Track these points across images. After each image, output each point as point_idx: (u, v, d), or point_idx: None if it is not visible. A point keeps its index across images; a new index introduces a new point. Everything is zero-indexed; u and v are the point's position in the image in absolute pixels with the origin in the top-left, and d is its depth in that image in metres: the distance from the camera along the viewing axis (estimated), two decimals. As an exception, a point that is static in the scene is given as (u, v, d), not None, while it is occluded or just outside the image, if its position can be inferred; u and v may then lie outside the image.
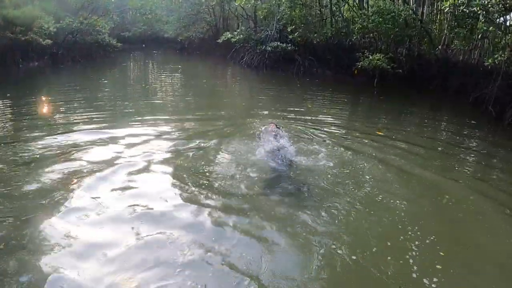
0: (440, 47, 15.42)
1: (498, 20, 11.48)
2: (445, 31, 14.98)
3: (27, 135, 8.29)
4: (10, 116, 10.17)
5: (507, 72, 10.99)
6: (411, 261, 4.14)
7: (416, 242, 4.44)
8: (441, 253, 4.28)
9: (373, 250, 4.33)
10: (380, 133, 8.54)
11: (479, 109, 11.56)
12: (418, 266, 4.05)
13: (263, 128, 8.13)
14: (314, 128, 9.02)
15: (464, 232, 4.96)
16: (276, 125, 8.15)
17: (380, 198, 5.52)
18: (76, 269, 3.91)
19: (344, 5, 19.59)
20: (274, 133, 7.65)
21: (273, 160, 6.70)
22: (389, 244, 4.46)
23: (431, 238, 4.56)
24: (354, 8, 19.13)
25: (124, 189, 5.71)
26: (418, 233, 4.64)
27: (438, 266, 4.06)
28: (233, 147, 7.57)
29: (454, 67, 14.61)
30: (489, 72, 11.57)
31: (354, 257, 4.17)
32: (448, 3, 10.42)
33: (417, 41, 16.03)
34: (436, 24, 16.86)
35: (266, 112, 10.85)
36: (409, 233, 4.66)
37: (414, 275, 3.93)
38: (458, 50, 15.08)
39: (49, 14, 20.70)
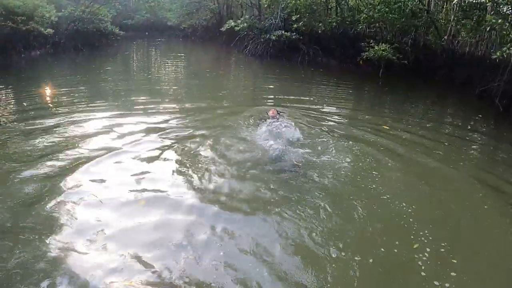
0: (446, 37, 15.18)
1: (506, 11, 11.24)
2: (452, 22, 14.71)
3: (30, 121, 8.35)
4: (12, 105, 10.18)
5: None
6: (420, 263, 4.03)
7: (427, 249, 4.28)
8: (453, 260, 4.14)
9: (381, 250, 4.23)
10: (386, 127, 8.38)
11: (486, 102, 11.39)
12: (429, 272, 3.93)
13: (265, 114, 8.36)
14: (316, 119, 8.93)
15: (472, 233, 4.83)
16: (277, 111, 8.30)
17: (384, 194, 5.39)
18: (80, 249, 4.12)
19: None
20: (275, 118, 7.91)
21: (273, 144, 6.83)
22: (397, 243, 4.35)
23: (439, 242, 4.42)
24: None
25: (126, 174, 5.86)
26: (425, 232, 4.50)
27: (452, 273, 3.94)
28: (233, 133, 7.66)
29: (461, 59, 14.39)
30: (496, 65, 11.34)
31: (357, 258, 4.07)
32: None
33: (423, 31, 15.76)
34: (442, 14, 16.60)
35: (269, 102, 10.80)
36: (415, 231, 4.54)
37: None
38: (464, 42, 14.84)
39: (51, 3, 20.51)
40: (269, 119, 8.02)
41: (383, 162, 6.51)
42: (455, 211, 5.17)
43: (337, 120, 9.13)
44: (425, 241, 4.37)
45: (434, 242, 4.35)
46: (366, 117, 9.69)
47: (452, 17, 14.84)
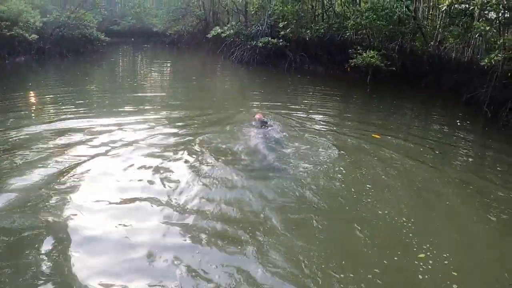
0: (432, 43, 15.34)
1: (490, 17, 11.39)
2: (439, 28, 14.89)
3: (13, 127, 8.23)
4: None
5: (502, 72, 10.91)
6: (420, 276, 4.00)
7: (429, 261, 4.24)
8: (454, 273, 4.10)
9: (383, 262, 4.17)
10: (376, 137, 8.37)
11: (473, 108, 11.52)
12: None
13: (250, 117, 8.53)
14: (304, 126, 8.93)
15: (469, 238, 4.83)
16: (262, 115, 8.41)
17: (377, 205, 5.34)
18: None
19: (336, 1, 19.44)
20: (261, 122, 8.03)
21: (260, 149, 6.93)
22: (399, 253, 4.29)
23: (441, 254, 4.39)
24: (346, 3, 18.97)
25: (111, 181, 5.86)
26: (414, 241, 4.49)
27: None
28: (220, 139, 7.67)
29: (447, 65, 14.57)
30: (484, 71, 11.47)
31: (351, 275, 3.99)
32: (447, 1, 10.25)
33: (409, 37, 15.91)
34: (429, 20, 16.78)
35: (256, 110, 10.77)
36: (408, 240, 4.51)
37: None
38: (450, 47, 15.02)
39: (36, 8, 20.33)
40: (255, 122, 8.12)
41: (375, 171, 6.49)
42: (451, 222, 5.17)
43: (326, 128, 9.06)
44: (428, 253, 4.31)
45: (435, 253, 4.31)
46: (355, 124, 9.64)
47: (439, 23, 15.02)
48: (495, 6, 9.24)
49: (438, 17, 15.73)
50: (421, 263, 4.14)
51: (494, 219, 5.19)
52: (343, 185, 5.90)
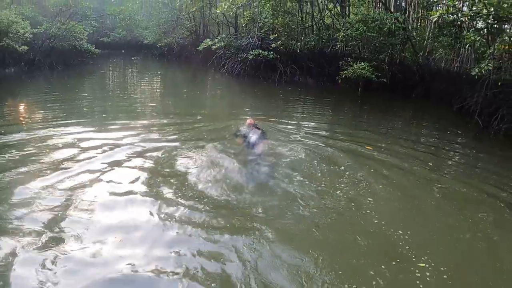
0: (421, 54, 15.54)
1: (479, 27, 11.59)
2: (429, 39, 15.12)
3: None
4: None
5: (492, 81, 11.07)
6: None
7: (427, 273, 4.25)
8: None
9: (386, 275, 4.15)
10: (369, 148, 8.39)
11: (464, 118, 11.68)
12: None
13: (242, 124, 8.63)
14: (296, 139, 8.92)
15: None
16: (253, 120, 8.39)
17: (375, 217, 5.35)
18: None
19: (326, 13, 19.61)
20: (252, 128, 7.95)
21: (250, 157, 7.07)
22: (400, 265, 4.29)
23: (440, 266, 4.42)
24: (335, 16, 19.13)
25: (100, 190, 5.81)
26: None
27: None
28: (211, 148, 7.76)
29: (437, 75, 14.77)
30: (473, 80, 11.65)
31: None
32: (438, 13, 10.39)
33: (399, 48, 16.06)
34: (418, 31, 16.99)
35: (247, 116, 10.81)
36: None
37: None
38: (439, 58, 15.23)
39: (26, 19, 20.23)
40: (246, 128, 8.12)
41: (368, 182, 6.49)
42: (446, 232, 5.18)
43: (317, 140, 8.99)
44: (426, 265, 4.32)
45: (434, 265, 4.32)
46: (348, 136, 9.57)
47: (429, 34, 15.24)
48: (485, 16, 9.37)
49: (427, 28, 15.96)
50: (421, 272, 4.19)
51: (489, 231, 5.23)
52: (337, 195, 5.91)
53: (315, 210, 5.44)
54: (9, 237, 4.51)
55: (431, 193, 6.34)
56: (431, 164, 7.78)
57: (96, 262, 4.19)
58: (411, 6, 16.79)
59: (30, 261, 4.12)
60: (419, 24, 17.22)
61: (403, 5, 17.80)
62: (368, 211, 5.47)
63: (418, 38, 16.58)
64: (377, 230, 5.02)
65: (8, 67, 19.29)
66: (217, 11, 18.75)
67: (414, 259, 4.40)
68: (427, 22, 16.34)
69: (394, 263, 4.33)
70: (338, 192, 6.07)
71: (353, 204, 5.66)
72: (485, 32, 11.40)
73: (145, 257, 4.28)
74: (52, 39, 22.06)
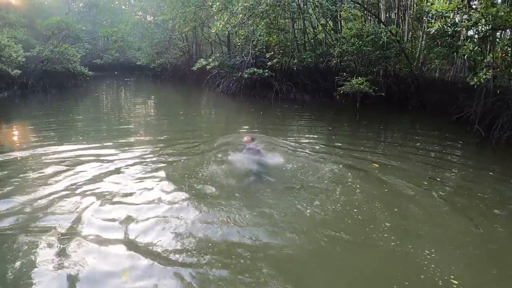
0: (414, 64, 15.56)
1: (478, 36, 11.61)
2: (424, 50, 15.18)
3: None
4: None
5: (489, 90, 11.07)
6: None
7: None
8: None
9: None
10: (375, 165, 8.19)
11: (463, 128, 11.64)
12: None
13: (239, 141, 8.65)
14: (298, 157, 8.68)
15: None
16: (251, 138, 8.50)
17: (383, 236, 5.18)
18: None
19: (319, 29, 19.63)
20: (249, 144, 8.12)
21: (251, 170, 7.10)
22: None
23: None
24: (328, 31, 19.13)
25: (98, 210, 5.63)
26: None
27: None
28: (210, 163, 7.84)
29: (431, 85, 14.82)
30: (469, 89, 11.62)
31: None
32: (436, 25, 10.37)
33: (393, 60, 16.02)
34: (411, 42, 17.04)
35: (244, 133, 10.69)
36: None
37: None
38: (434, 68, 15.28)
39: (19, 42, 20.12)
40: (244, 144, 8.19)
41: (371, 198, 6.33)
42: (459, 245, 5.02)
43: (318, 157, 8.80)
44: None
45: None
46: (348, 152, 9.30)
47: (421, 45, 15.29)
48: (483, 25, 9.42)
49: (420, 39, 16.02)
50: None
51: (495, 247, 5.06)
52: (341, 209, 5.82)
53: (320, 219, 5.43)
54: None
55: (438, 207, 6.14)
56: (438, 180, 7.53)
57: None
58: (401, 18, 16.88)
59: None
60: (410, 34, 17.23)
61: (392, 17, 17.90)
62: (375, 224, 5.37)
63: (411, 49, 16.61)
64: (386, 242, 4.89)
65: (1, 91, 19.16)
66: (212, 31, 18.68)
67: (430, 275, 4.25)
68: (420, 33, 16.41)
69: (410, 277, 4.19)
70: (341, 204, 5.99)
71: (371, 226, 5.44)
72: (481, 41, 11.41)
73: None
74: (45, 62, 21.96)
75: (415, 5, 16.32)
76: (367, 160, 8.57)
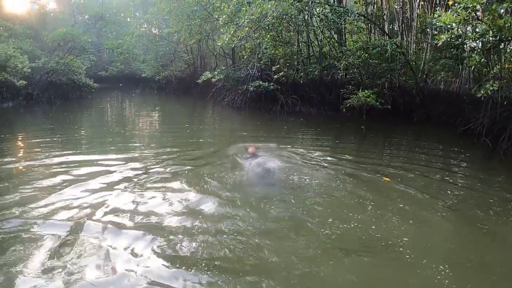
0: (419, 76, 15.53)
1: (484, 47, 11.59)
2: (430, 62, 15.17)
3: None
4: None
5: (496, 102, 11.07)
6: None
7: None
8: None
9: None
10: (386, 179, 8.05)
11: (470, 140, 11.59)
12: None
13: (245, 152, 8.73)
14: (307, 171, 8.54)
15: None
16: (256, 148, 8.67)
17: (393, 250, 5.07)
18: None
19: (324, 41, 19.59)
20: (254, 155, 8.28)
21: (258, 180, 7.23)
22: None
23: None
24: (332, 44, 19.11)
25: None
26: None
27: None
28: (216, 174, 7.76)
29: (436, 97, 14.80)
30: (475, 101, 11.62)
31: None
32: (444, 37, 10.32)
33: (397, 72, 16.00)
34: (416, 54, 17.03)
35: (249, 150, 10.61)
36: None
37: None
38: (439, 80, 15.26)
39: (24, 53, 20.20)
40: (249, 155, 8.30)
41: (382, 211, 6.19)
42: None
43: (328, 168, 8.62)
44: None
45: None
46: (357, 165, 9.11)
47: (425, 57, 15.27)
48: (490, 37, 9.41)
49: (425, 51, 16.01)
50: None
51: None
52: (352, 221, 5.72)
53: (326, 228, 5.33)
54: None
55: (449, 221, 5.96)
56: (449, 192, 7.42)
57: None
58: (405, 31, 16.89)
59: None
60: (414, 46, 17.23)
61: (396, 29, 17.91)
62: (385, 233, 5.26)
63: (416, 61, 16.59)
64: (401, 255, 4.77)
65: (6, 101, 19.19)
66: (218, 44, 18.63)
67: None
68: (425, 45, 16.41)
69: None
70: (349, 215, 5.91)
71: (383, 243, 5.27)
72: (487, 52, 11.39)
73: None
74: (51, 73, 22.03)
75: (419, 18, 16.35)
76: (376, 171, 8.43)
